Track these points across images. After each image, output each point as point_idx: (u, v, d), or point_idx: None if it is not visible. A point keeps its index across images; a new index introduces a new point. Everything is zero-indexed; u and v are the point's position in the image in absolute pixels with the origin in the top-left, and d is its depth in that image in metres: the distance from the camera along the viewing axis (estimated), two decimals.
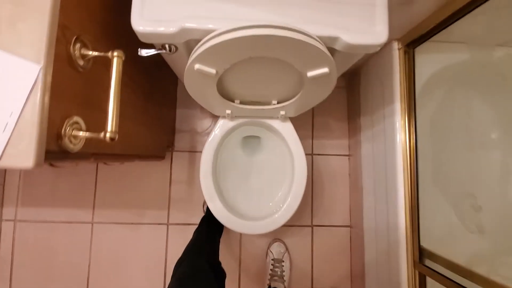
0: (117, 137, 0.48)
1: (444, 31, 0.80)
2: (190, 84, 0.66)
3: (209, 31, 0.54)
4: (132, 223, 1.21)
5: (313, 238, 1.24)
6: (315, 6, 0.57)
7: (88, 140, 0.51)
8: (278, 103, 0.81)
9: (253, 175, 0.98)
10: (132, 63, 0.71)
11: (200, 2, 0.55)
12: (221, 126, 0.87)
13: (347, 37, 0.56)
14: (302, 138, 0.89)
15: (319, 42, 0.55)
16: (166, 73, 1.05)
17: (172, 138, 1.23)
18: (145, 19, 0.54)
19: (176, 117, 1.26)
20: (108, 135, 0.47)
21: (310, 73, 0.61)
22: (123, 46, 0.67)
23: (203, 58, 0.56)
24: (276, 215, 0.82)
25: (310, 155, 1.28)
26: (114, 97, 0.49)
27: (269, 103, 0.82)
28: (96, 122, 0.55)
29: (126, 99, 0.72)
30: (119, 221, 1.21)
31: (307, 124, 1.29)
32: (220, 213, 0.81)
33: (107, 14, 0.61)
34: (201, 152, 0.91)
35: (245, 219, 0.82)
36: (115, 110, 0.49)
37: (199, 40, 0.57)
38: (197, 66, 0.58)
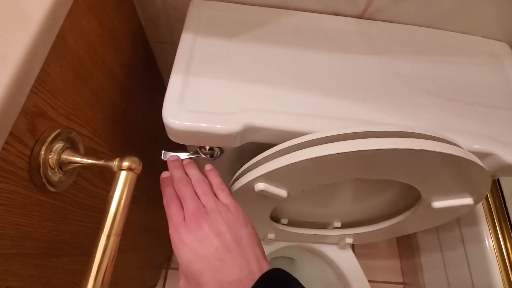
0: None
1: None
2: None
3: (295, 134, 0.33)
4: None
5: None
6: (447, 107, 0.37)
7: None
8: (342, 226, 0.55)
9: None
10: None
11: (276, 92, 0.35)
12: None
13: (505, 153, 0.35)
14: None
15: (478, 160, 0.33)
16: None
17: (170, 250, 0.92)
18: (185, 110, 0.32)
19: None
20: None
21: (438, 203, 0.38)
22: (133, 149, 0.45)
23: (277, 176, 0.33)
24: None
25: None
26: (108, 246, 0.24)
27: (327, 225, 0.55)
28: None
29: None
30: None
31: None
32: None
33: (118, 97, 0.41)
34: None
35: None
36: (105, 266, 0.23)
37: (259, 143, 0.34)
38: (261, 186, 0.34)
